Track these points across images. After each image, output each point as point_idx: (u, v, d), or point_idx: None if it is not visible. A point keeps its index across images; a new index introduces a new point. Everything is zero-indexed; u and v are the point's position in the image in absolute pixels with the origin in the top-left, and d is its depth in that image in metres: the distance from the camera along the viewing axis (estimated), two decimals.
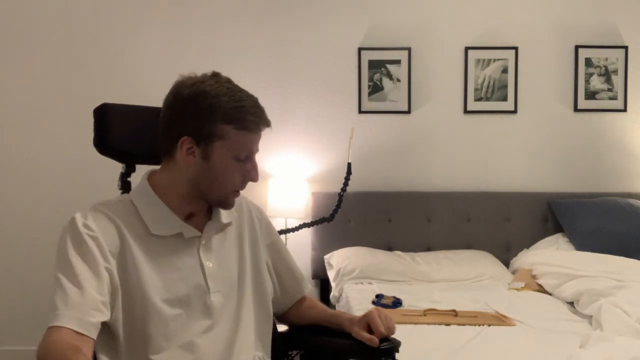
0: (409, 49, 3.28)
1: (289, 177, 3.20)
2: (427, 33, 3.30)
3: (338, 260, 2.97)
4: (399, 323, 2.07)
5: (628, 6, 3.34)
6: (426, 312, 2.23)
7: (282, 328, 1.50)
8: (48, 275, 3.51)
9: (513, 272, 2.95)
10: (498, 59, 3.31)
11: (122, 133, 1.38)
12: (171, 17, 3.26)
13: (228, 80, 1.26)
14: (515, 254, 3.12)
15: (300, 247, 3.15)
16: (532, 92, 3.34)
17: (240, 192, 1.31)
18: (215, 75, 1.26)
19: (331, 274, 2.93)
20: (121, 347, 1.15)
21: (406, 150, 3.31)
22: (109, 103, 1.42)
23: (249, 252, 1.36)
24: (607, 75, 3.34)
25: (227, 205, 1.28)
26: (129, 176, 1.50)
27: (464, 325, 2.11)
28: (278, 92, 3.28)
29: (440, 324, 2.13)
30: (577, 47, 3.31)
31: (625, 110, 3.35)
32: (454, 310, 2.23)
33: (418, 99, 3.32)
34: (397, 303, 2.39)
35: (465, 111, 3.32)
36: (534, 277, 2.72)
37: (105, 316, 1.11)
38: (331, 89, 3.30)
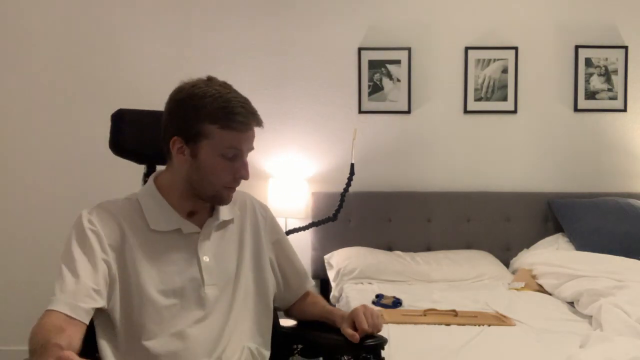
0: (409, 49, 3.28)
1: (289, 177, 3.20)
2: (427, 33, 3.30)
3: (338, 260, 2.97)
4: (399, 323, 2.10)
5: (628, 6, 3.33)
6: (426, 312, 2.23)
7: (290, 323, 1.56)
8: (48, 276, 3.51)
9: (513, 272, 2.95)
10: (498, 59, 3.31)
11: (135, 136, 1.45)
12: (170, 17, 3.26)
13: (221, 84, 1.32)
14: (515, 254, 3.12)
15: (300, 247, 3.15)
16: (532, 92, 3.34)
17: (249, 190, 1.38)
18: (210, 79, 1.34)
19: (331, 274, 2.94)
20: (119, 333, 1.24)
21: (406, 150, 3.31)
22: (124, 108, 1.52)
23: (250, 249, 1.42)
24: (607, 75, 3.33)
25: (222, 201, 1.34)
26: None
27: (464, 325, 2.11)
28: (278, 92, 3.27)
29: (440, 324, 2.13)
30: (577, 47, 3.31)
31: (625, 110, 3.35)
32: (454, 310, 2.23)
33: (418, 99, 3.32)
34: (397, 303, 2.39)
35: (465, 111, 3.32)
36: (534, 277, 2.72)
37: (98, 303, 1.20)
38: (331, 89, 3.30)
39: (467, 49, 3.30)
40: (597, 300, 2.21)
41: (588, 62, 3.33)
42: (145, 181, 1.50)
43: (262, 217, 1.48)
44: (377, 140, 3.30)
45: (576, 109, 3.34)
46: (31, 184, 3.24)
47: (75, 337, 1.14)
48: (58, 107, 3.24)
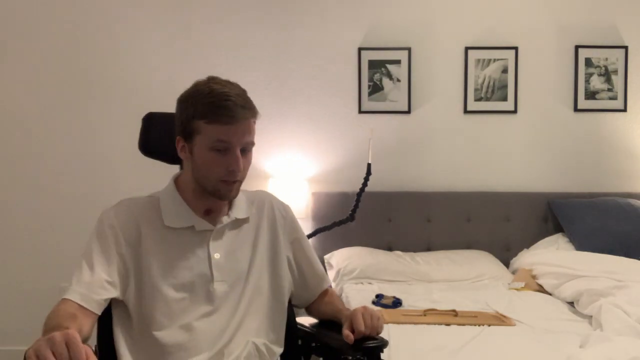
0: (409, 49, 3.28)
1: (289, 177, 3.20)
2: (427, 33, 3.30)
3: (338, 260, 2.97)
4: (399, 323, 2.09)
5: (628, 6, 3.33)
6: (426, 312, 2.23)
7: (312, 321, 1.59)
8: (48, 275, 3.52)
9: (513, 272, 2.95)
10: (498, 59, 3.31)
11: (164, 137, 1.50)
12: (171, 17, 3.26)
13: (220, 82, 1.36)
14: (515, 254, 3.12)
15: None
16: (532, 92, 3.34)
17: (264, 189, 1.40)
18: (211, 78, 1.38)
19: (331, 274, 2.93)
20: (133, 323, 1.32)
21: (406, 150, 3.31)
22: (154, 112, 1.61)
23: (266, 247, 1.46)
24: (607, 75, 3.33)
25: (222, 196, 1.36)
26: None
27: (464, 325, 2.11)
28: (278, 92, 3.27)
29: (440, 324, 2.13)
30: (577, 47, 3.31)
31: (625, 110, 3.35)
32: (454, 310, 2.23)
33: (418, 99, 3.32)
34: (397, 303, 2.39)
35: (465, 111, 3.32)
36: (534, 277, 2.72)
37: (111, 294, 1.28)
38: (331, 89, 3.30)
39: (467, 49, 3.30)
40: (597, 300, 2.21)
41: (588, 62, 3.33)
42: None
43: (281, 216, 1.51)
44: (377, 140, 3.29)
45: (576, 109, 3.34)
46: (31, 183, 3.24)
47: (85, 325, 1.21)
48: (58, 107, 3.24)
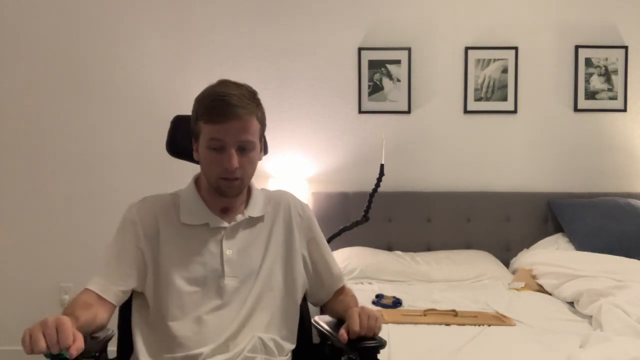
0: (409, 49, 3.28)
1: (289, 177, 3.20)
2: (427, 33, 3.30)
3: (338, 260, 2.92)
4: (399, 323, 2.09)
5: (628, 6, 3.33)
6: (426, 312, 2.23)
7: (329, 318, 1.59)
8: (48, 275, 3.51)
9: (513, 272, 2.95)
10: (498, 59, 3.31)
11: (188, 139, 1.51)
12: (171, 18, 3.26)
13: (225, 84, 1.40)
14: (515, 254, 3.12)
15: None
16: (532, 92, 3.33)
17: (279, 188, 1.54)
18: (221, 81, 1.42)
19: None
20: (150, 312, 1.40)
21: (406, 150, 3.31)
22: (181, 115, 1.64)
23: (280, 245, 1.50)
24: (607, 75, 3.33)
25: (223, 193, 1.41)
26: None
27: (464, 325, 2.11)
28: (278, 92, 3.27)
29: (440, 324, 2.13)
30: (577, 47, 3.31)
31: (625, 110, 3.35)
32: (454, 310, 2.23)
33: (418, 99, 3.31)
34: (397, 303, 2.39)
35: (465, 111, 3.32)
36: (534, 277, 2.72)
37: (129, 286, 1.39)
38: (331, 89, 3.30)
39: (467, 49, 3.30)
40: (597, 300, 2.21)
41: (588, 62, 3.33)
42: None
43: (298, 215, 1.55)
44: (377, 140, 3.29)
45: (576, 109, 3.34)
46: (31, 183, 3.24)
47: (101, 314, 1.33)
48: (58, 107, 3.24)
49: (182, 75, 3.25)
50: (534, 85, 3.33)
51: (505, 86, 3.32)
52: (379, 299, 2.44)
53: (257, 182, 1.53)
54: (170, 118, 1.67)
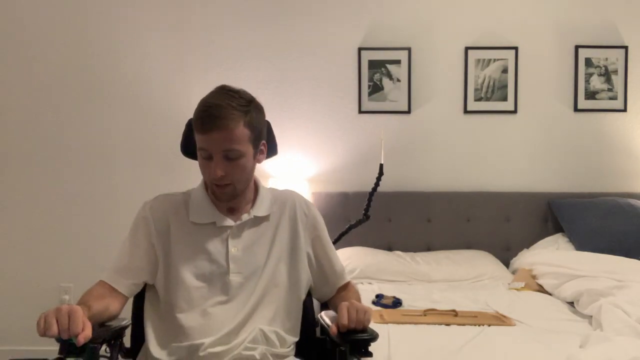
0: (409, 49, 3.28)
1: (289, 177, 3.20)
2: (427, 33, 3.30)
3: None
4: (399, 323, 2.09)
5: (628, 6, 3.33)
6: (426, 312, 2.23)
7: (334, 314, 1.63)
8: (48, 275, 3.51)
9: (513, 272, 2.95)
10: (498, 59, 3.31)
11: None
12: (171, 18, 3.27)
13: (218, 92, 1.44)
14: (515, 254, 3.12)
15: None
16: (532, 92, 3.33)
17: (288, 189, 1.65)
18: (216, 89, 1.45)
19: None
20: (161, 304, 1.49)
21: (406, 151, 3.31)
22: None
23: (285, 243, 1.56)
24: (607, 75, 3.33)
25: (217, 197, 1.49)
26: None
27: (464, 325, 2.11)
28: (278, 92, 3.27)
29: (440, 324, 2.13)
30: (577, 47, 3.31)
31: (625, 110, 3.35)
32: (454, 310, 2.23)
33: (418, 99, 3.32)
34: (397, 303, 2.39)
35: (465, 111, 3.32)
36: (534, 277, 2.72)
37: (140, 278, 1.49)
38: (331, 89, 3.30)
39: (467, 49, 3.30)
40: (597, 300, 2.20)
41: (588, 62, 3.33)
42: None
43: (304, 214, 1.61)
44: (376, 140, 3.29)
45: (576, 109, 3.34)
46: (31, 184, 3.24)
47: (113, 304, 1.44)
48: (58, 108, 3.24)
49: (182, 75, 3.25)
50: (534, 85, 3.33)
51: (505, 86, 3.32)
52: (379, 299, 2.44)
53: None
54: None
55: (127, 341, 1.59)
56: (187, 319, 1.45)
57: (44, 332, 1.18)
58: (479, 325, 2.10)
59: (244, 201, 1.54)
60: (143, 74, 3.24)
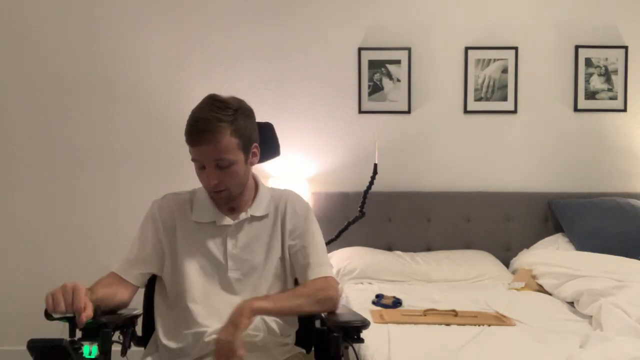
0: (409, 49, 3.28)
1: (289, 177, 3.20)
2: (427, 33, 3.30)
3: (338, 260, 2.96)
4: (399, 323, 2.09)
5: (628, 6, 3.34)
6: (426, 312, 2.23)
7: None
8: (48, 275, 3.51)
9: (513, 272, 2.95)
10: (498, 59, 3.31)
11: None
12: (171, 17, 3.27)
13: (206, 103, 1.50)
14: (515, 254, 3.12)
15: None
16: (532, 92, 3.34)
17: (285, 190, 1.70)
18: (204, 100, 1.51)
19: None
20: (169, 294, 1.60)
21: (406, 151, 3.31)
22: None
23: (280, 239, 1.62)
24: (607, 75, 3.34)
25: (216, 202, 1.59)
26: None
27: (464, 325, 2.11)
28: (278, 92, 3.27)
29: (440, 324, 2.13)
30: (577, 47, 3.32)
31: (625, 110, 3.35)
32: (454, 310, 2.23)
33: (418, 99, 3.32)
34: (397, 303, 2.39)
35: (465, 111, 3.32)
36: (534, 277, 2.72)
37: (148, 269, 1.59)
38: (331, 89, 3.30)
39: (467, 49, 3.30)
40: (597, 300, 2.20)
41: (588, 62, 3.33)
42: None
43: (294, 211, 1.65)
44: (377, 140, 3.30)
45: (576, 109, 3.34)
46: (31, 184, 3.24)
47: (122, 292, 1.54)
48: (58, 108, 3.24)
49: (182, 75, 3.25)
50: (534, 85, 3.33)
51: (505, 86, 3.32)
52: (379, 299, 2.44)
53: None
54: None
55: (139, 331, 1.70)
56: (193, 308, 1.54)
57: (53, 309, 1.28)
58: (479, 325, 2.10)
59: (243, 201, 1.61)
60: (143, 74, 3.24)
